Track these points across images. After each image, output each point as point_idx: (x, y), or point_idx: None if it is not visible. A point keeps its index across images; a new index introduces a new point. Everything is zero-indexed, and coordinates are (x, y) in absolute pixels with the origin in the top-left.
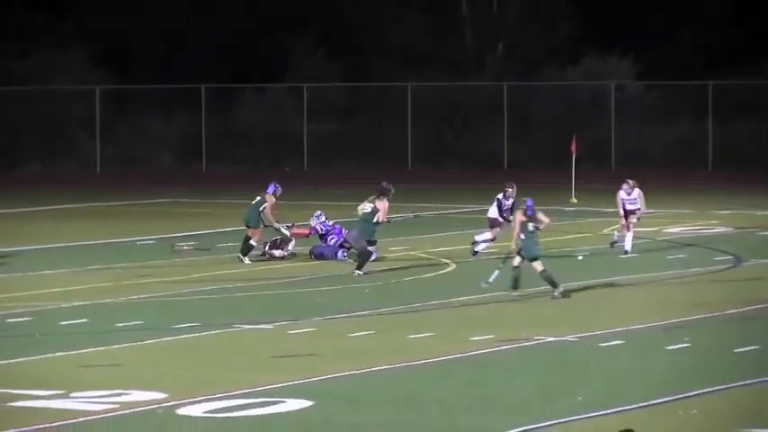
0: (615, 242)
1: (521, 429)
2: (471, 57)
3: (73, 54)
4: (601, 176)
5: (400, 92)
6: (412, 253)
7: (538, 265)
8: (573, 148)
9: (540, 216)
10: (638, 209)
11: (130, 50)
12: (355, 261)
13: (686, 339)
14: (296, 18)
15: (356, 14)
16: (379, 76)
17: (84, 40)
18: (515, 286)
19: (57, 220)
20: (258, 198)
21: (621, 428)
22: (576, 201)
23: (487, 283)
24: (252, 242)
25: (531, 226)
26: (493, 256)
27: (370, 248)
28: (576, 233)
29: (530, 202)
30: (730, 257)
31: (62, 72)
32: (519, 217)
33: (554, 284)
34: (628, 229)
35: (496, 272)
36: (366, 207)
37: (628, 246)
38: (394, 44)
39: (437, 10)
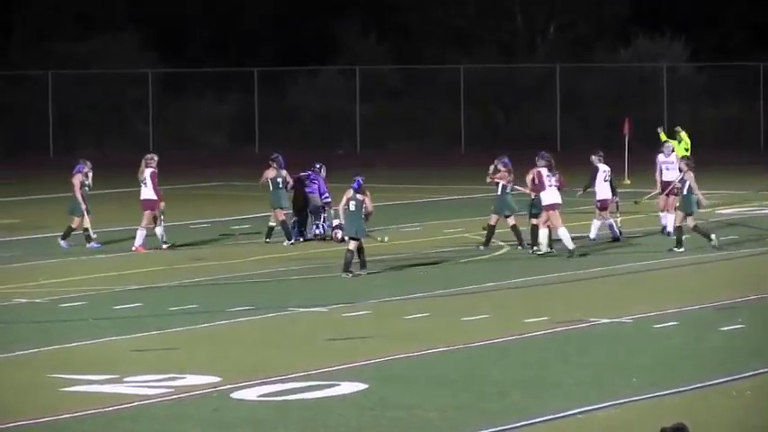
0: (665, 229)
1: (576, 411)
2: (522, 38)
3: (127, 38)
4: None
5: (452, 74)
6: (466, 235)
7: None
8: (626, 129)
9: None
10: (674, 179)
11: (184, 34)
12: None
13: (739, 320)
14: (345, 0)
15: None
16: (429, 57)
17: (138, 23)
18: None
19: (109, 203)
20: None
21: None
22: (629, 182)
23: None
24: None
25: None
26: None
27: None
28: (631, 214)
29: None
30: None
31: (116, 56)
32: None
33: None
34: (667, 209)
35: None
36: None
37: (670, 226)
38: (444, 26)
39: None
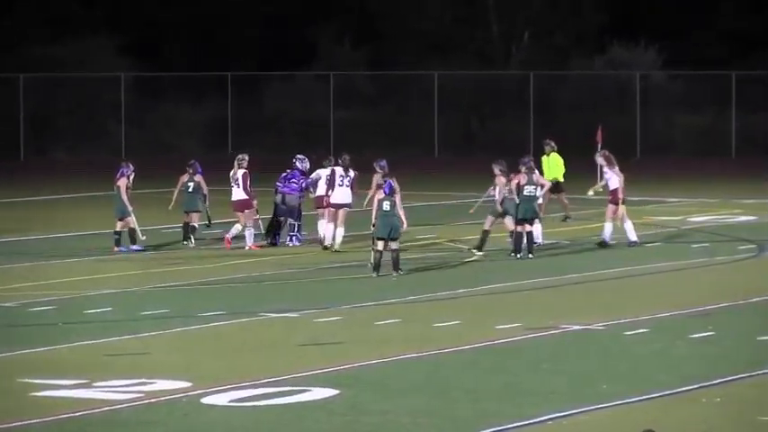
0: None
1: (547, 417)
2: (497, 45)
3: (103, 42)
4: (625, 166)
5: (426, 80)
6: (438, 241)
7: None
8: (598, 137)
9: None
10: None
11: (159, 38)
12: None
13: (710, 328)
14: (321, 6)
15: (381, 2)
16: (405, 64)
17: (115, 27)
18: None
19: (83, 206)
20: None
21: (644, 427)
22: (601, 190)
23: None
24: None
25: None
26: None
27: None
28: (601, 222)
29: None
30: (754, 246)
31: (92, 59)
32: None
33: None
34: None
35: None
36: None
37: (632, 236)
38: (419, 32)
39: None
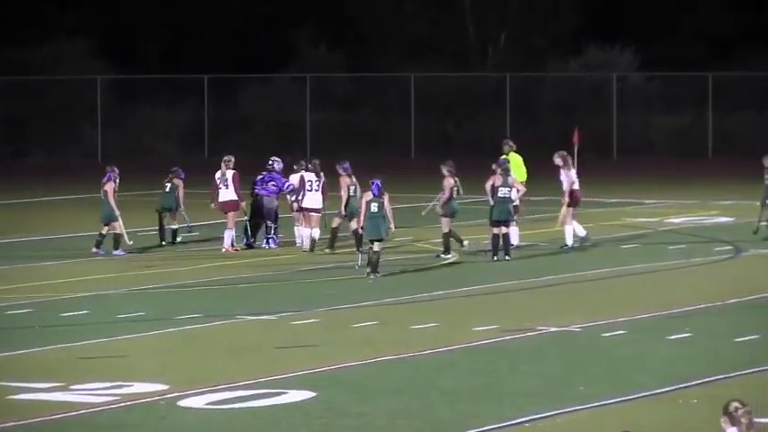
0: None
1: (525, 419)
2: (474, 47)
3: (78, 45)
4: (603, 167)
5: (403, 82)
6: (416, 244)
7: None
8: (575, 139)
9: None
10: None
11: (137, 42)
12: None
13: (687, 329)
14: (298, 8)
15: (358, 5)
16: (381, 66)
17: (90, 30)
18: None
19: (59, 210)
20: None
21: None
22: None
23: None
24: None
25: None
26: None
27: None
28: (578, 223)
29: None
30: (731, 247)
31: (68, 63)
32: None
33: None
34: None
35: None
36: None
37: (569, 240)
38: (396, 35)
39: (439, 0)
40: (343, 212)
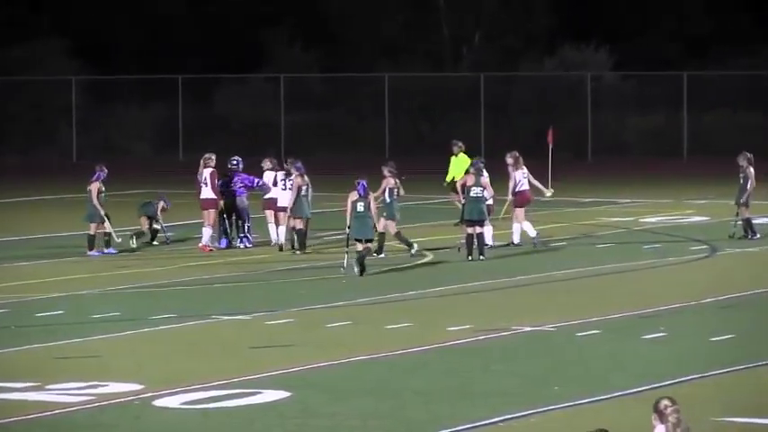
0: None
1: (499, 419)
2: (448, 47)
3: (52, 45)
4: (578, 167)
5: (378, 82)
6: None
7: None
8: (549, 138)
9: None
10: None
11: (110, 42)
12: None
13: (662, 328)
14: (273, 8)
15: (332, 5)
16: (356, 66)
17: (64, 31)
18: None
19: (34, 210)
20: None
21: (597, 426)
22: (552, 192)
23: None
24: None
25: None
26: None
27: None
28: (553, 223)
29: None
30: (706, 247)
31: (42, 63)
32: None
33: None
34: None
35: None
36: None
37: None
38: (371, 35)
39: (414, 0)
40: (289, 212)
